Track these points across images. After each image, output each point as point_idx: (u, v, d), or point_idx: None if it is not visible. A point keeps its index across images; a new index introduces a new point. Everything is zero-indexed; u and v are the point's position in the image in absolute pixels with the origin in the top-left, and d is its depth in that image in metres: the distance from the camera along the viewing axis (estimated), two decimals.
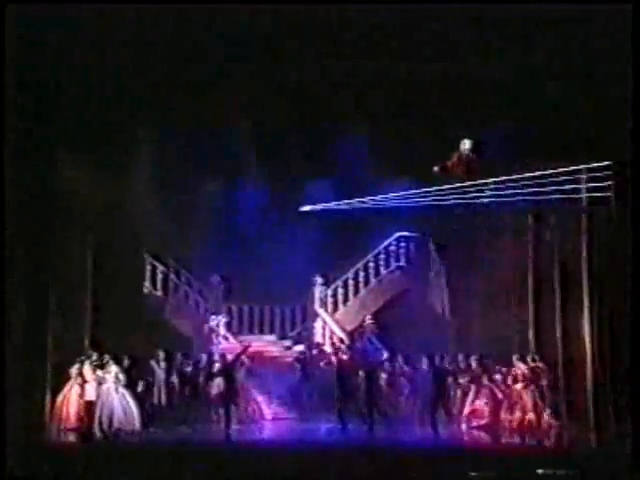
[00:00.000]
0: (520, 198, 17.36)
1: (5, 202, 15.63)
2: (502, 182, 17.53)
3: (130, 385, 17.32)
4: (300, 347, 20.03)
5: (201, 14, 16.12)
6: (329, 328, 20.34)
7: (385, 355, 18.93)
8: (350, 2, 16.20)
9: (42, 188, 17.75)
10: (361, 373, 17.62)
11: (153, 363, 18.40)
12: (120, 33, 16.53)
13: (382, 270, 20.48)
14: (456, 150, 18.41)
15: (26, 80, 16.40)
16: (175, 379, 18.42)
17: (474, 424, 17.16)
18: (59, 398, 17.39)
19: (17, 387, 16.40)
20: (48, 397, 17.58)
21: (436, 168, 18.22)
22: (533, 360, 17.38)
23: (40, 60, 16.58)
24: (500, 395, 17.22)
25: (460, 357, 18.12)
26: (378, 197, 18.45)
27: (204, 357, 18.84)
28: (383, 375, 18.37)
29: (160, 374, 18.38)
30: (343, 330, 20.18)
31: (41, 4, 15.52)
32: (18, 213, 16.49)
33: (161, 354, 18.49)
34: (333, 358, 18.38)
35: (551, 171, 17.11)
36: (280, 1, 15.95)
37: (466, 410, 17.39)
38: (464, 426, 17.28)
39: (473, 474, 13.50)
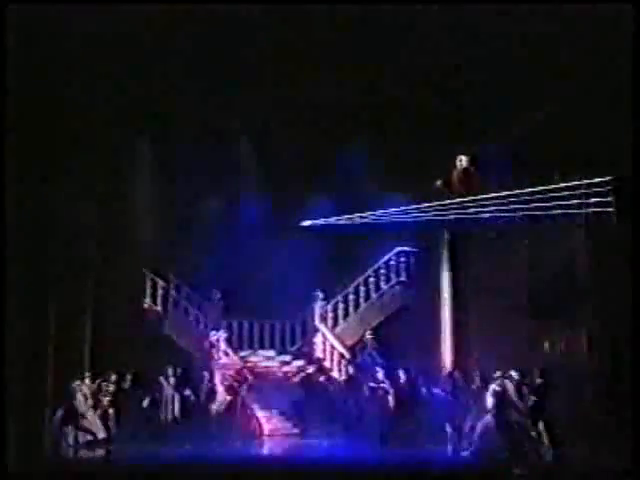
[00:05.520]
0: (521, 213, 17.39)
1: (5, 218, 15.63)
2: (503, 197, 17.56)
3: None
4: (300, 362, 20.00)
5: (204, 30, 16.19)
6: (329, 343, 20.30)
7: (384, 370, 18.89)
8: (350, 17, 16.29)
9: (42, 204, 17.73)
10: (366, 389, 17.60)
11: (162, 379, 18.36)
12: (121, 35, 16.60)
13: (382, 285, 20.47)
14: (454, 167, 18.51)
15: (26, 80, 16.39)
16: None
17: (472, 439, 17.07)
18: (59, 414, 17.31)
19: (18, 404, 16.36)
20: (48, 414, 17.49)
21: (438, 182, 18.28)
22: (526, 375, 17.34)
23: (40, 61, 16.60)
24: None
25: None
26: (378, 212, 18.46)
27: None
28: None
29: (168, 390, 18.32)
30: (343, 345, 20.14)
31: (41, 4, 15.57)
32: (18, 229, 16.48)
33: (170, 370, 18.44)
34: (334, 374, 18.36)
35: (552, 186, 17.15)
36: (281, 18, 16.03)
37: (466, 426, 17.30)
38: (464, 442, 17.20)
39: None
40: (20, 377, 16.76)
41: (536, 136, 16.90)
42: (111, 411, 17.22)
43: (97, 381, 17.22)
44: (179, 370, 18.47)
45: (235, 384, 18.24)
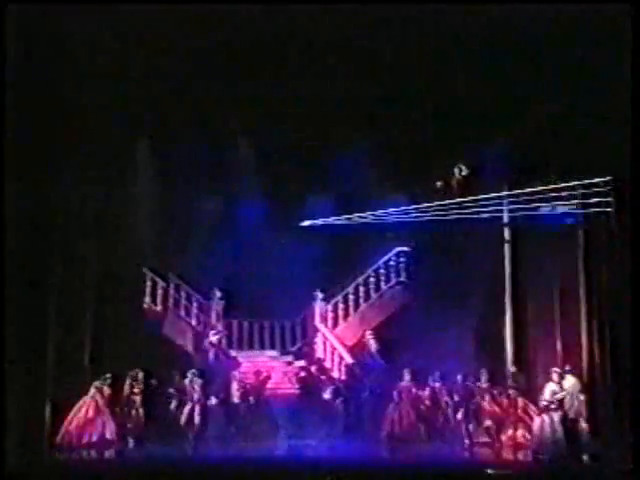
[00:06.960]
0: (520, 214, 17.44)
1: (5, 218, 15.66)
2: (502, 197, 17.61)
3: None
4: (301, 362, 20.00)
5: (202, 30, 16.21)
6: (330, 343, 20.29)
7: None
8: (350, 18, 16.31)
9: (42, 202, 17.76)
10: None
11: (187, 382, 18.41)
12: (121, 34, 16.61)
13: (382, 285, 20.46)
14: (452, 174, 18.57)
15: (26, 80, 16.40)
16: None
17: (480, 440, 17.11)
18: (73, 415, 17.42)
19: (18, 403, 16.39)
20: (48, 413, 17.53)
21: (439, 183, 18.30)
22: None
23: (39, 60, 16.62)
24: (503, 411, 17.19)
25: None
26: (378, 212, 18.46)
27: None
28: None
29: (194, 394, 18.39)
30: (344, 345, 20.13)
31: (41, 4, 15.59)
32: (18, 227, 16.51)
33: (192, 373, 18.56)
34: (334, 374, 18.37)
35: (552, 186, 17.19)
36: (280, 18, 16.05)
37: (472, 427, 17.34)
38: (468, 442, 17.25)
39: None
40: (20, 377, 16.77)
41: (536, 136, 16.91)
42: (134, 411, 17.44)
43: (128, 381, 17.38)
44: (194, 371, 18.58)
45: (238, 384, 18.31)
